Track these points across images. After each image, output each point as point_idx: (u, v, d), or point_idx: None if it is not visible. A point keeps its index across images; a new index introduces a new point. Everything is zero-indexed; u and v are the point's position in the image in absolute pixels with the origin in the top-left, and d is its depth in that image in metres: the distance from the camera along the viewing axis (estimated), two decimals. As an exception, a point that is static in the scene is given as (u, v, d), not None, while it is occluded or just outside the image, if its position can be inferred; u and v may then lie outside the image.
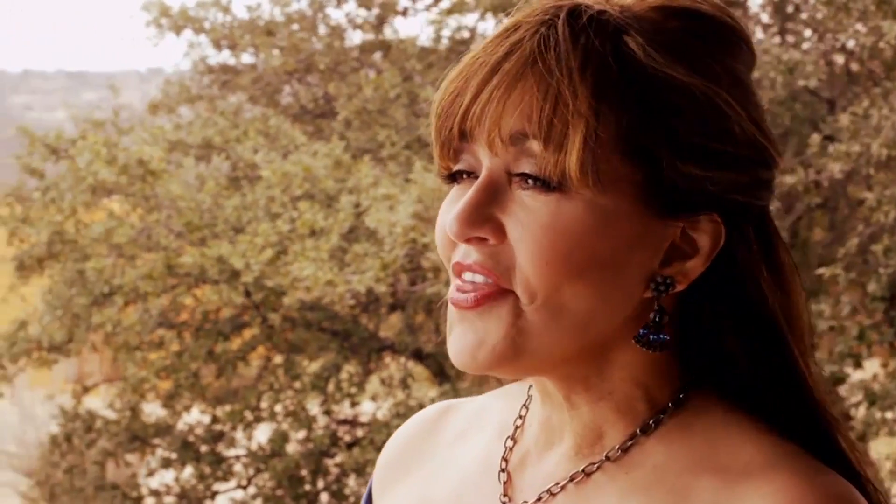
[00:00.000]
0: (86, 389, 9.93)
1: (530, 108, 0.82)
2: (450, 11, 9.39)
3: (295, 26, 10.09)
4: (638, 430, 0.89)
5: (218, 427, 9.56)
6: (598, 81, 0.82)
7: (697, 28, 0.86)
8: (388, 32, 10.19)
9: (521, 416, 0.97)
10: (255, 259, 8.17)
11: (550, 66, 0.82)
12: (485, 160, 0.85)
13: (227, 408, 9.40)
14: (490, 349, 0.85)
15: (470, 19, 9.68)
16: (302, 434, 9.46)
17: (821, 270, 7.06)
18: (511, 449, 0.97)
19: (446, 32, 9.54)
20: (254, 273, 8.20)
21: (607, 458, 0.89)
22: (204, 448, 9.48)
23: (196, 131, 9.48)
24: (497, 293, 0.85)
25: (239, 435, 9.63)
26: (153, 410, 9.66)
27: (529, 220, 0.84)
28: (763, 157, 0.87)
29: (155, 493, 9.71)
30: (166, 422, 9.53)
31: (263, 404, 9.50)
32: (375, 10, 10.15)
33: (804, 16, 8.98)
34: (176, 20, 10.45)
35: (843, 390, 7.12)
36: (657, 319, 0.86)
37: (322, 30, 10.12)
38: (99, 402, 9.90)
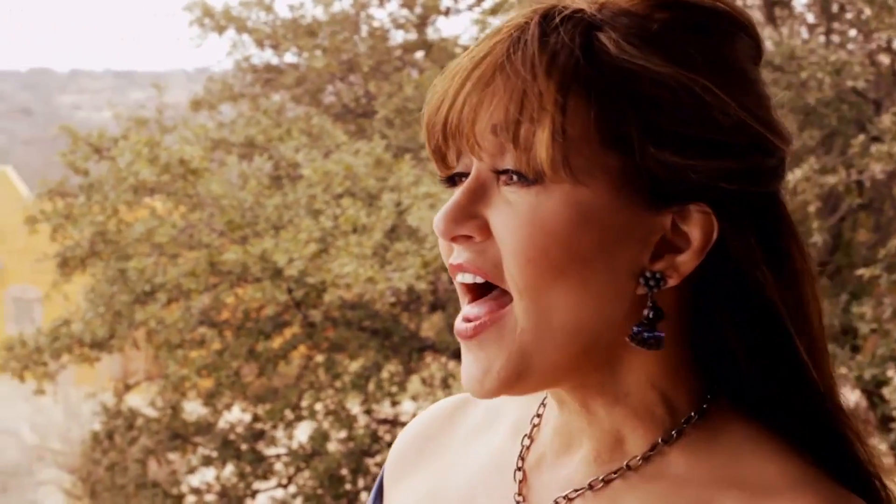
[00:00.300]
0: (128, 387, 10.03)
1: (499, 109, 0.83)
2: (493, 11, 9.38)
3: (337, 27, 10.13)
4: (660, 440, 0.87)
5: (259, 426, 9.61)
6: (563, 77, 0.82)
7: (685, 18, 0.85)
8: (430, 32, 10.21)
9: (538, 415, 0.97)
10: (297, 254, 8.20)
11: (517, 67, 0.83)
12: (473, 161, 0.86)
13: (268, 406, 9.44)
14: (495, 376, 0.86)
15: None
16: (343, 433, 9.48)
17: (861, 271, 6.98)
18: (528, 448, 0.96)
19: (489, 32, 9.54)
20: (296, 268, 8.23)
21: (628, 467, 0.88)
22: (244, 446, 9.53)
23: (239, 130, 9.55)
24: (493, 318, 0.86)
25: (280, 434, 9.68)
26: (194, 408, 9.72)
27: (511, 215, 0.84)
28: (757, 143, 0.85)
29: (196, 492, 9.79)
30: (207, 420, 9.60)
31: (304, 403, 9.54)
32: (418, 11, 10.17)
33: (849, 16, 8.90)
34: (219, 20, 10.53)
35: (886, 393, 7.02)
36: (650, 316, 0.84)
37: (364, 30, 10.16)
38: (142, 400, 9.98)
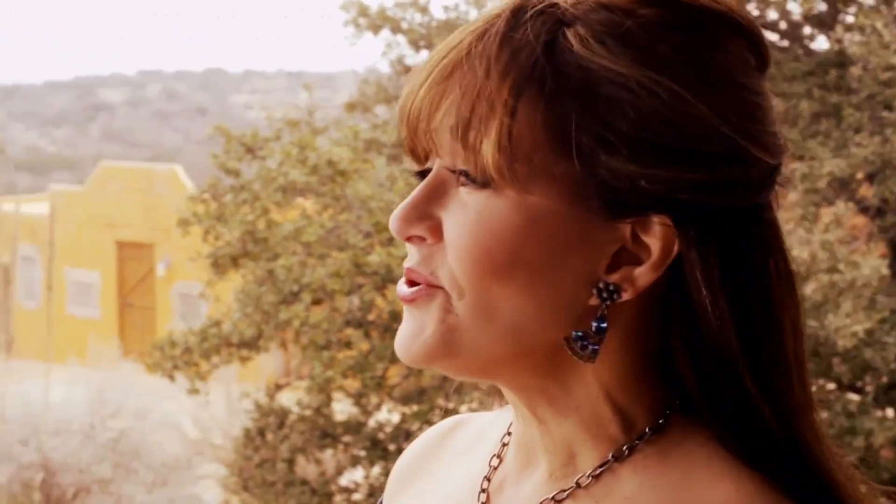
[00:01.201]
0: (279, 386, 10.26)
1: (453, 107, 0.81)
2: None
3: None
4: (611, 456, 0.84)
5: (406, 426, 9.72)
6: (518, 77, 0.79)
7: (670, 16, 0.81)
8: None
9: (509, 433, 0.94)
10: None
11: (473, 64, 0.80)
12: (437, 158, 0.84)
13: (415, 407, 9.54)
14: (422, 342, 0.84)
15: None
16: (488, 435, 9.51)
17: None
18: (495, 468, 0.94)
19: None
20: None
21: (578, 485, 0.85)
22: (392, 447, 9.65)
23: (391, 131, 9.68)
24: (431, 288, 0.83)
25: (427, 435, 9.75)
26: (345, 408, 9.90)
27: (461, 217, 0.82)
28: (733, 154, 0.80)
29: (344, 490, 9.95)
30: (357, 419, 9.75)
31: (450, 405, 9.61)
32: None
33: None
34: (374, 20, 10.68)
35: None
36: (593, 328, 0.81)
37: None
38: (294, 398, 10.20)
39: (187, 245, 10.76)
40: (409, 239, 0.85)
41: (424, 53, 10.88)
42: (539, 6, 0.82)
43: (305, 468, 9.93)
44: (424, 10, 10.69)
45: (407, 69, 10.98)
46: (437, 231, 0.84)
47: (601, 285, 0.81)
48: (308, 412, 9.59)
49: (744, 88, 0.82)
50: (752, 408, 0.82)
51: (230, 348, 9.23)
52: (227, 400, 13.47)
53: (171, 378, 9.56)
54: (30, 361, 16.38)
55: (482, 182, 0.80)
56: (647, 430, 0.84)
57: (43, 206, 21.40)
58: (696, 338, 0.82)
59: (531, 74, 0.79)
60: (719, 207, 0.80)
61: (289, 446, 9.43)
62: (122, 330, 21.32)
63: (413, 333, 0.84)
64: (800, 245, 6.98)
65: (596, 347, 0.81)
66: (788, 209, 7.69)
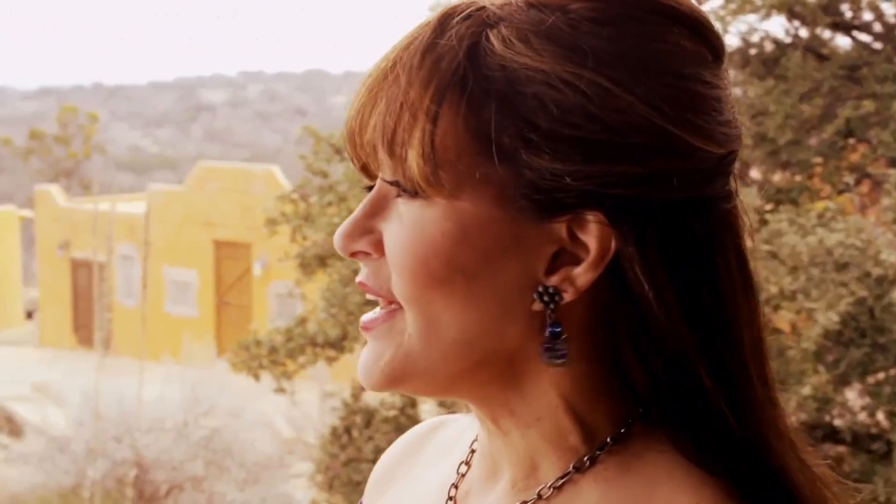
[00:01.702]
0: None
1: (380, 118, 0.80)
2: (735, 12, 9.20)
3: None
4: (572, 467, 0.83)
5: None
6: (440, 83, 0.78)
7: (601, 9, 0.79)
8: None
9: (477, 440, 0.93)
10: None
11: (397, 73, 0.80)
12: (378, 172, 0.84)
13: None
14: (380, 369, 0.83)
15: (752, 19, 9.45)
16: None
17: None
18: (463, 476, 0.94)
19: (734, 30, 9.37)
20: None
21: (539, 497, 0.84)
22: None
23: None
24: (387, 315, 0.84)
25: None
26: (430, 408, 9.91)
27: (396, 228, 0.81)
28: (666, 144, 0.78)
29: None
30: (440, 421, 9.77)
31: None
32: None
33: None
34: None
35: None
36: (549, 334, 0.79)
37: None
38: (379, 398, 10.27)
39: (282, 245, 10.94)
40: (354, 255, 0.85)
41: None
42: (466, 11, 0.81)
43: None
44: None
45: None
46: (379, 245, 0.83)
47: (541, 289, 0.79)
48: (393, 412, 9.67)
49: (682, 77, 0.80)
50: (709, 408, 0.80)
51: (315, 348, 9.34)
52: (320, 399, 13.62)
53: (256, 377, 9.71)
54: (126, 359, 16.77)
55: (412, 192, 0.79)
56: (608, 440, 0.82)
57: (142, 205, 21.92)
58: (645, 338, 0.80)
59: (452, 80, 0.78)
60: (657, 200, 0.78)
61: (373, 446, 9.50)
62: (219, 329, 21.72)
63: (372, 360, 0.84)
64: (888, 249, 6.88)
65: (564, 350, 0.79)
66: (882, 213, 7.58)
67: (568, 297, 0.79)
